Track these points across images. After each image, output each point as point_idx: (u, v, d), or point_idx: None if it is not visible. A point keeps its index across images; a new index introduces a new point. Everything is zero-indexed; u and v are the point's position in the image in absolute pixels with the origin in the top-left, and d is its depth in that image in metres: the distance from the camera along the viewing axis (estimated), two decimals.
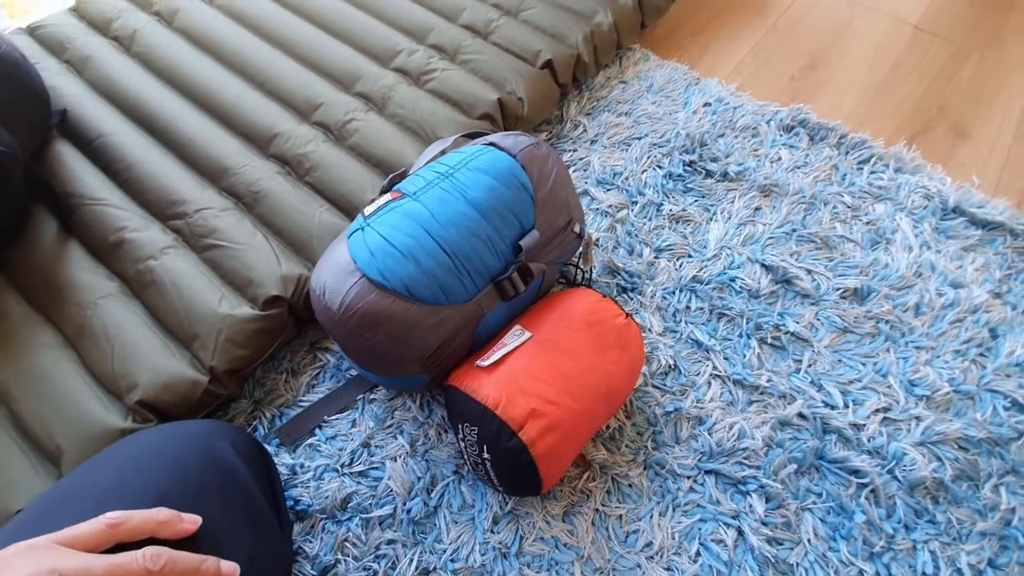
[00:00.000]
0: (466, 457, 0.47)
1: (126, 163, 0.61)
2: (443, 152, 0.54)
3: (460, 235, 0.45)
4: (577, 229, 0.53)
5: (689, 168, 0.73)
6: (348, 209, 0.60)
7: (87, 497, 0.33)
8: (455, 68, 0.71)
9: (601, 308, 0.51)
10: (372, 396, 0.56)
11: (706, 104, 0.80)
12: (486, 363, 0.46)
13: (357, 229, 0.46)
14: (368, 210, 0.47)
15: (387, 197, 0.48)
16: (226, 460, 0.37)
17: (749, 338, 0.60)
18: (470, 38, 0.74)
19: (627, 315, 0.51)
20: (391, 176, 0.52)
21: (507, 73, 0.70)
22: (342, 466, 0.52)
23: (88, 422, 0.47)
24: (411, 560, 0.48)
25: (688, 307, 0.62)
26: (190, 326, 0.51)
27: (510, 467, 0.44)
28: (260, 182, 0.60)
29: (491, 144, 0.51)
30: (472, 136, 0.58)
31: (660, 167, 0.73)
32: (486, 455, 0.44)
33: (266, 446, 0.49)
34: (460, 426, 0.46)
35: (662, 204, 0.70)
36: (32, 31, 0.76)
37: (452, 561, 0.48)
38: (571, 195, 0.53)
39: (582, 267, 0.58)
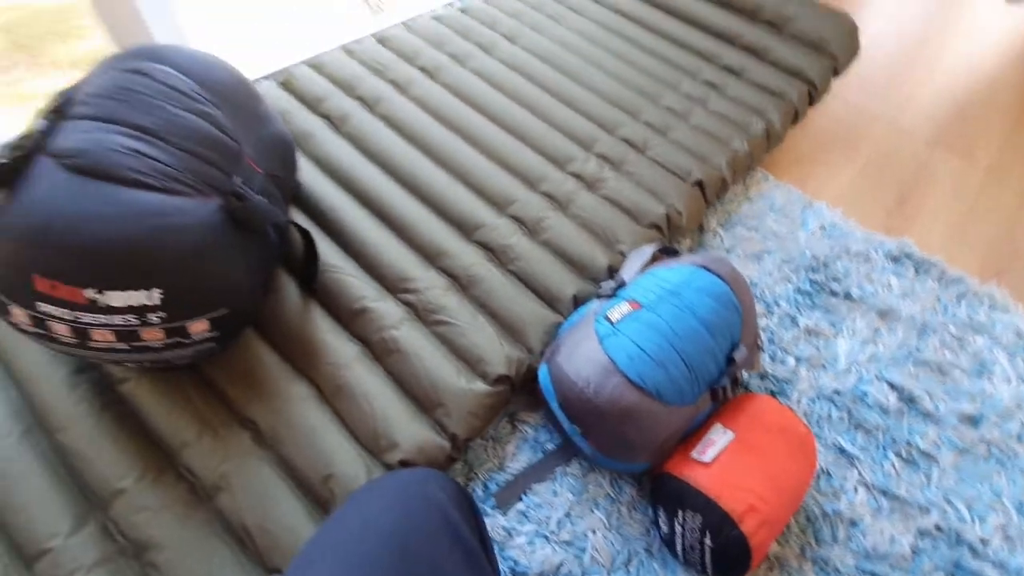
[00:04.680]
0: (679, 540, 0.55)
1: (360, 238, 0.70)
2: (648, 264, 0.64)
3: (695, 349, 0.55)
4: (760, 343, 0.63)
5: (816, 285, 0.84)
6: (551, 300, 0.69)
7: (341, 547, 0.39)
8: (623, 178, 0.82)
9: (785, 416, 0.60)
10: (568, 469, 0.63)
11: (821, 227, 0.92)
12: (706, 459, 0.54)
13: (610, 334, 0.55)
14: (613, 316, 0.56)
15: (628, 307, 0.57)
16: (448, 508, 0.43)
17: (886, 451, 0.69)
18: (631, 152, 0.86)
19: (806, 425, 0.60)
20: (615, 284, 0.61)
21: (666, 188, 0.82)
22: (550, 533, 0.59)
23: (353, 475, 0.54)
24: None
25: (830, 416, 0.71)
26: (435, 395, 0.59)
27: (728, 555, 0.52)
28: (474, 267, 0.69)
29: (702, 267, 0.61)
30: (665, 251, 0.68)
31: (790, 282, 0.84)
32: (708, 542, 0.52)
33: (481, 505, 0.55)
34: (679, 511, 0.54)
35: (796, 317, 0.80)
36: None
37: None
38: (755, 313, 0.63)
39: (748, 372, 0.68)
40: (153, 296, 0.44)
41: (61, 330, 0.45)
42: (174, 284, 0.45)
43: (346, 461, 0.54)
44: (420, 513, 0.41)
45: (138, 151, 0.45)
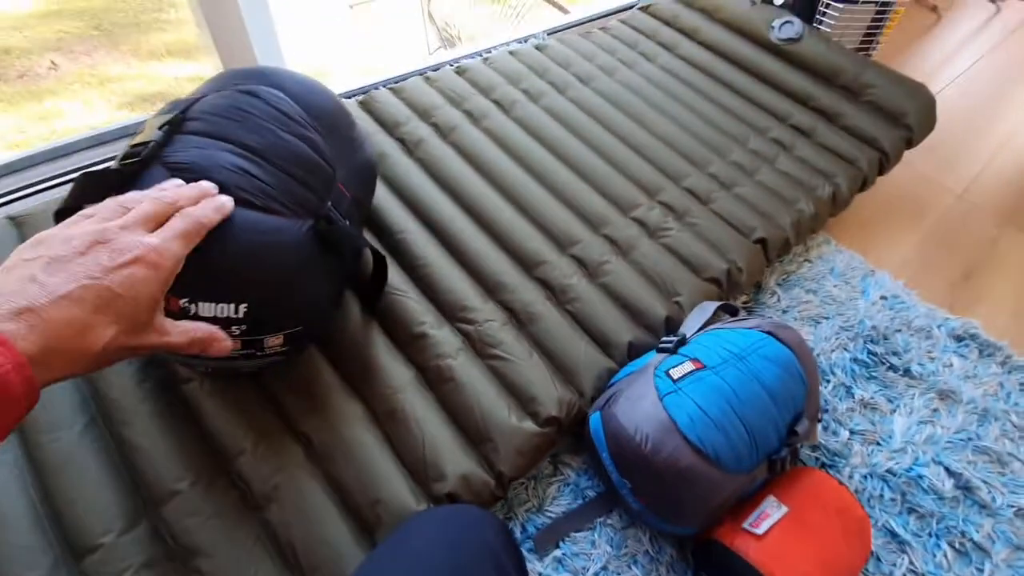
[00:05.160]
0: None
1: (423, 262, 0.71)
2: (711, 322, 0.63)
3: (757, 416, 0.54)
4: (821, 418, 0.61)
5: (874, 357, 0.82)
6: (605, 345, 0.69)
7: (391, 567, 0.40)
8: (685, 229, 0.82)
9: (842, 496, 0.58)
10: (608, 520, 0.62)
11: (883, 297, 0.90)
12: (759, 531, 0.53)
13: (671, 391, 0.54)
14: (675, 374, 0.56)
15: (691, 365, 0.56)
16: (496, 548, 0.43)
17: (939, 539, 0.66)
18: (695, 203, 0.86)
19: (864, 509, 0.58)
20: (677, 339, 0.61)
21: (728, 244, 0.81)
22: None
23: (400, 502, 0.54)
24: None
25: (882, 496, 0.69)
26: (485, 430, 0.59)
27: None
28: (534, 305, 0.70)
29: (768, 333, 0.60)
30: (726, 308, 0.68)
31: (847, 350, 0.82)
32: None
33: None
34: None
35: (851, 387, 0.78)
36: None
37: None
38: (819, 385, 0.62)
39: (805, 443, 0.66)
40: (240, 310, 0.45)
41: None
42: (261, 299, 0.46)
43: (395, 487, 0.54)
44: (473, 555, 0.41)
45: (244, 169, 0.47)
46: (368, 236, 0.74)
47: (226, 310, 0.45)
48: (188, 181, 0.45)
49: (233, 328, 0.46)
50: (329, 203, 0.52)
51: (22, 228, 0.68)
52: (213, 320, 0.45)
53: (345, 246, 0.53)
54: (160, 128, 0.47)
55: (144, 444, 0.53)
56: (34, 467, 0.52)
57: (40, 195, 0.85)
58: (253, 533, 0.51)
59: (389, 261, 0.72)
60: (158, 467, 0.52)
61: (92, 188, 0.44)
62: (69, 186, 0.47)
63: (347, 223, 0.53)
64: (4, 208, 0.82)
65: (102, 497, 0.50)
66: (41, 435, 0.53)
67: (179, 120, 0.48)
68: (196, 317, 0.44)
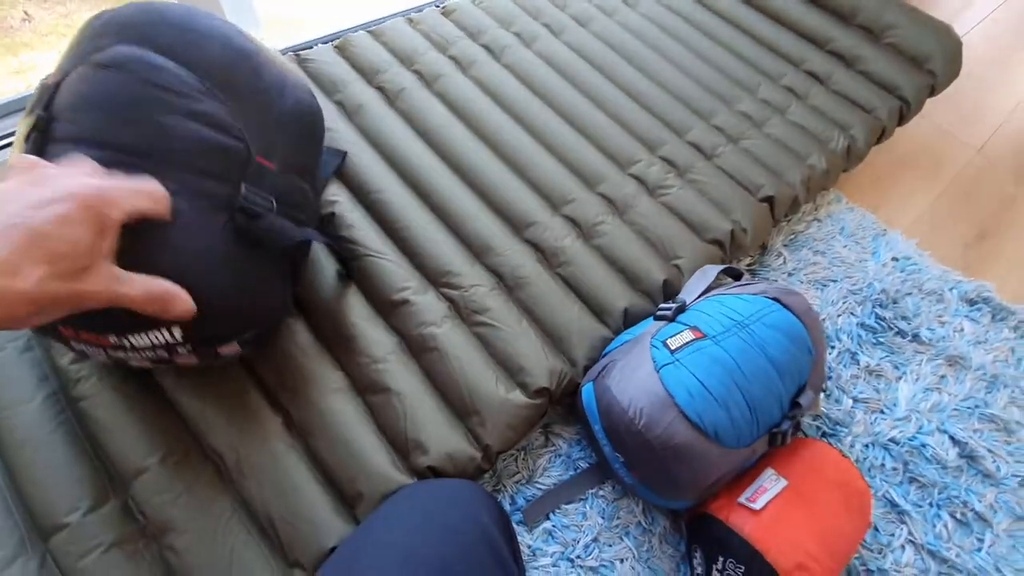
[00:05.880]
0: None
1: (403, 223, 0.66)
2: (712, 287, 0.59)
3: (760, 390, 0.50)
4: (825, 387, 0.58)
5: (882, 322, 0.78)
6: (599, 312, 0.65)
7: (383, 554, 0.38)
8: (687, 187, 0.77)
9: (844, 468, 0.55)
10: (600, 492, 0.60)
11: (894, 259, 0.85)
12: (756, 506, 0.50)
13: (669, 363, 0.51)
14: (673, 344, 0.52)
15: (690, 335, 0.53)
16: (488, 525, 0.42)
17: (940, 509, 0.64)
18: (699, 159, 0.80)
19: (866, 481, 0.55)
20: (676, 306, 0.57)
21: (733, 202, 0.76)
22: (576, 557, 0.56)
23: (381, 477, 0.51)
24: None
25: (883, 465, 0.67)
26: (471, 402, 0.56)
27: None
28: (524, 268, 0.65)
29: (774, 299, 0.56)
30: (728, 271, 0.63)
31: (854, 315, 0.78)
32: None
33: None
34: (719, 557, 0.50)
35: (856, 354, 0.75)
36: (301, 61, 0.82)
37: None
38: (826, 354, 0.58)
39: (809, 413, 0.63)
40: (175, 333, 0.41)
41: (101, 357, 0.43)
42: (192, 321, 0.39)
43: (376, 461, 0.52)
44: (466, 538, 0.39)
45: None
46: (343, 193, 0.68)
47: (160, 336, 0.40)
48: None
49: (180, 349, 0.42)
50: (244, 188, 0.43)
51: None
52: (153, 346, 0.41)
53: (274, 241, 0.44)
54: (26, 140, 0.40)
55: (106, 419, 0.50)
56: None
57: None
58: (229, 507, 0.48)
59: (369, 221, 0.67)
60: (125, 443, 0.49)
61: None
62: None
63: (272, 205, 0.44)
64: None
65: (66, 474, 0.48)
66: None
67: (43, 125, 0.40)
68: (136, 347, 0.41)
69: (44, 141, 0.39)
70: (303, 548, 0.48)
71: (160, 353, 0.42)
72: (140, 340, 0.40)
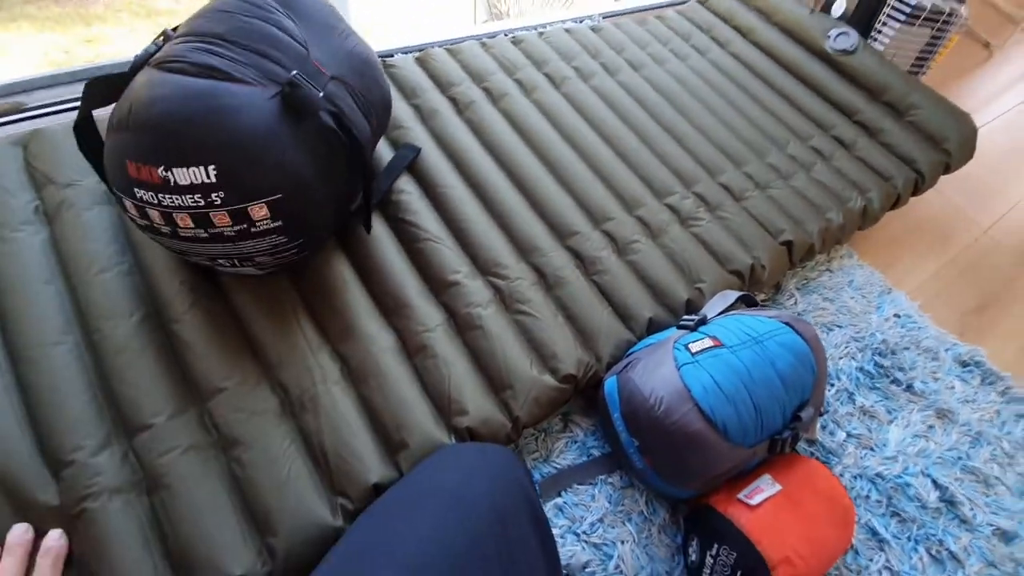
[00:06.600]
0: (707, 572, 0.57)
1: (462, 217, 0.74)
2: (729, 308, 0.66)
3: (767, 396, 0.57)
4: (823, 412, 0.65)
5: (880, 369, 0.84)
6: (626, 317, 0.72)
7: (434, 499, 0.43)
8: (715, 222, 0.85)
9: (833, 485, 0.61)
10: (608, 479, 0.66)
11: (896, 315, 0.92)
12: (752, 503, 0.56)
13: (689, 363, 0.58)
14: (693, 347, 0.59)
15: (709, 342, 0.60)
16: (526, 484, 0.47)
17: (917, 544, 0.69)
18: (728, 199, 0.88)
19: (851, 500, 0.61)
20: (698, 318, 0.64)
21: (755, 240, 0.84)
22: (582, 533, 0.62)
23: (425, 430, 0.57)
24: None
25: (868, 496, 0.72)
26: (507, 377, 0.63)
27: None
28: (563, 270, 0.73)
29: (786, 324, 0.63)
30: (746, 299, 0.71)
31: (855, 359, 0.85)
32: None
33: None
34: (714, 544, 0.56)
35: (854, 394, 0.81)
36: (386, 66, 0.91)
37: None
38: (826, 380, 0.65)
39: (803, 435, 0.69)
40: (209, 173, 0.48)
41: (156, 216, 0.50)
42: (226, 161, 0.48)
43: (420, 415, 0.58)
44: (509, 489, 0.45)
45: (209, 50, 0.51)
46: (412, 186, 0.77)
47: (199, 174, 0.48)
48: (160, 68, 0.50)
49: (213, 196, 0.49)
50: (296, 72, 0.53)
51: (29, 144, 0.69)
52: (191, 188, 0.48)
53: (311, 107, 0.53)
54: (154, 42, 0.55)
55: (194, 340, 0.57)
56: (93, 350, 0.56)
57: (67, 113, 0.83)
58: (289, 435, 0.55)
59: (432, 211, 0.75)
60: (207, 365, 0.56)
61: (99, 93, 0.53)
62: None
63: (319, 93, 0.54)
64: (37, 120, 0.83)
65: (154, 383, 0.55)
66: (101, 320, 0.57)
67: (168, 33, 0.55)
68: (178, 187, 0.48)
69: (164, 41, 0.54)
70: (349, 481, 0.54)
71: (198, 200, 0.48)
72: (182, 176, 0.47)
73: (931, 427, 0.81)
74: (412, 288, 0.68)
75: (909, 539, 0.70)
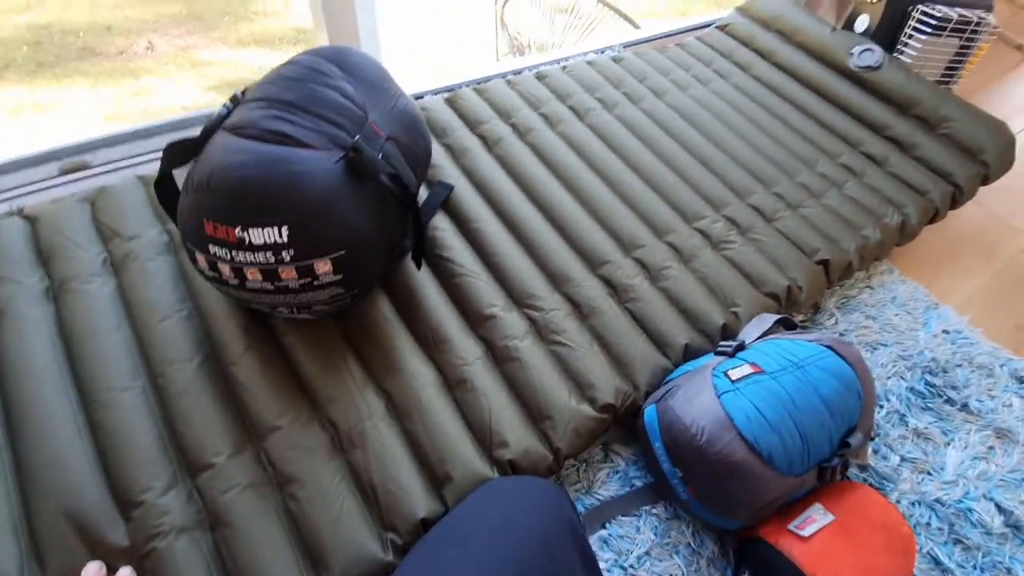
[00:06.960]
0: None
1: (496, 251, 0.77)
2: (768, 332, 0.66)
3: (812, 424, 0.56)
4: (873, 436, 0.63)
5: (932, 389, 0.82)
6: (661, 345, 0.72)
7: (482, 531, 0.44)
8: (747, 244, 0.84)
9: (890, 512, 0.59)
10: (653, 510, 0.66)
11: (945, 331, 0.89)
12: (804, 534, 0.55)
13: (729, 390, 0.57)
14: (733, 375, 0.59)
15: (749, 368, 0.59)
16: (572, 518, 0.48)
17: (984, 572, 0.66)
18: (759, 220, 0.88)
19: (910, 528, 0.59)
20: (736, 344, 0.64)
21: (789, 261, 0.83)
22: (628, 567, 0.61)
23: (468, 463, 0.59)
24: None
25: (929, 524, 0.69)
26: (546, 408, 0.64)
27: None
28: (596, 300, 0.74)
29: (828, 347, 0.62)
30: (784, 323, 0.70)
31: (903, 379, 0.82)
32: None
33: None
34: None
35: (905, 416, 0.78)
36: (422, 107, 0.96)
37: None
38: (875, 405, 0.63)
39: (853, 461, 0.67)
40: (282, 233, 0.52)
41: (226, 270, 0.54)
42: (299, 222, 0.52)
43: (463, 449, 0.59)
44: (555, 520, 0.46)
45: (281, 117, 0.56)
46: (446, 223, 0.80)
47: (272, 234, 0.52)
48: (237, 133, 0.55)
49: (284, 254, 0.53)
50: (358, 137, 0.58)
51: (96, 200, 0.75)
52: (265, 247, 0.52)
53: (372, 170, 0.57)
54: (224, 105, 0.59)
55: (250, 382, 0.60)
56: (158, 393, 0.60)
57: (128, 170, 0.90)
58: (340, 471, 0.57)
59: (467, 247, 0.78)
60: (262, 404, 0.59)
61: (178, 154, 0.58)
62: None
63: (378, 155, 0.58)
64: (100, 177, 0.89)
65: (215, 423, 0.58)
66: (165, 366, 0.61)
67: (237, 97, 0.60)
68: (252, 246, 0.52)
69: (235, 105, 0.59)
70: (398, 515, 0.55)
71: (269, 257, 0.53)
72: (257, 236, 0.51)
73: (991, 448, 0.77)
74: (450, 323, 0.70)
75: (975, 567, 0.66)
